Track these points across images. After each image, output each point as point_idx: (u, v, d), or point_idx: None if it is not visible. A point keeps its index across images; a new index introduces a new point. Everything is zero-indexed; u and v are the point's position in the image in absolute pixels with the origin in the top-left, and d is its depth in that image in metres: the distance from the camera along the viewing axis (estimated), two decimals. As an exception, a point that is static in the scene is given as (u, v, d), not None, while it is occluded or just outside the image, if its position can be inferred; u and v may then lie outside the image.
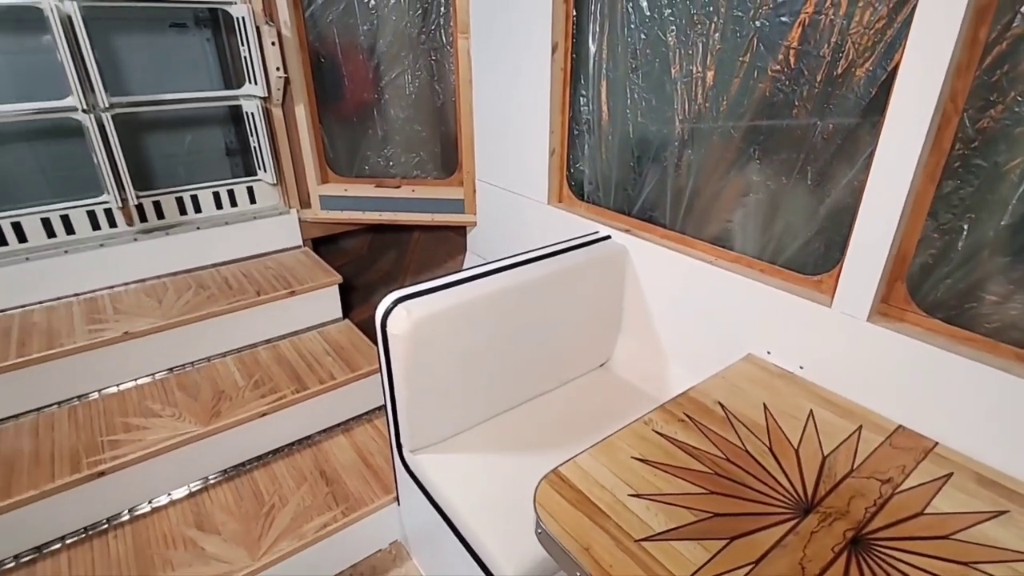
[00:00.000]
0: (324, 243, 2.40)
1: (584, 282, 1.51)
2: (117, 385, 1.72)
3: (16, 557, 1.39)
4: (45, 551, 1.41)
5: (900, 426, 1.07)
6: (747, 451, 1.01)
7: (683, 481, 0.95)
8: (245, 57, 1.94)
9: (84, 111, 1.71)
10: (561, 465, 0.98)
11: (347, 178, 2.23)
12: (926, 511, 0.89)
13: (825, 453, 1.01)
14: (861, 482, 0.95)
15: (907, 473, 0.97)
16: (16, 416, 1.59)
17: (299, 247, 2.25)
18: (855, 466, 0.98)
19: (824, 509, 0.89)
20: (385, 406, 1.33)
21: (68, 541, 1.43)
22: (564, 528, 0.86)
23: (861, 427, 1.07)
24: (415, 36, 1.99)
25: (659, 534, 0.85)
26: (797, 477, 0.96)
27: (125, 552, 1.39)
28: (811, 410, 1.12)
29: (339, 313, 2.11)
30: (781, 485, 0.94)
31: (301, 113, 2.04)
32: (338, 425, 1.82)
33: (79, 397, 1.67)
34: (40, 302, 1.80)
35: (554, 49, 1.60)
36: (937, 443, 1.03)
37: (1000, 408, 0.96)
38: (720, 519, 0.87)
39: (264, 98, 1.98)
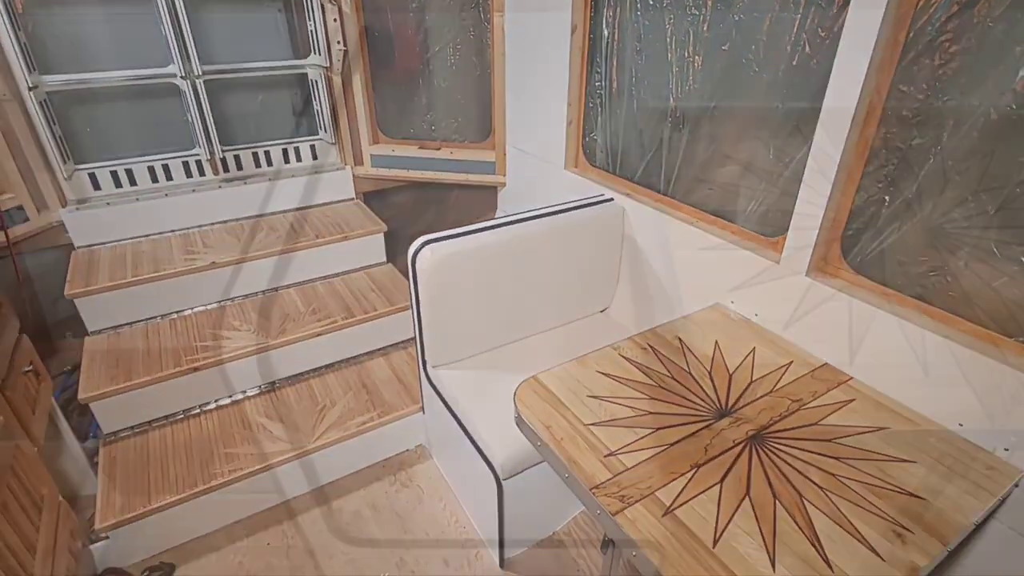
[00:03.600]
0: (374, 196, 2.71)
1: (586, 238, 1.76)
2: (205, 305, 2.12)
3: (131, 428, 1.82)
4: (154, 424, 1.83)
5: (825, 363, 1.30)
6: (690, 373, 1.27)
7: (631, 390, 1.21)
8: (311, 31, 2.24)
9: (182, 77, 2.07)
10: (540, 373, 1.27)
11: (394, 139, 2.52)
12: (820, 423, 1.13)
13: (754, 378, 1.25)
14: (775, 400, 1.19)
15: (816, 397, 1.20)
16: (131, 323, 2.01)
17: (352, 199, 2.59)
18: (775, 388, 1.22)
19: (737, 415, 1.14)
20: (414, 327, 1.64)
21: (170, 419, 1.85)
22: (533, 413, 1.15)
23: (792, 362, 1.30)
24: (457, 13, 2.22)
25: (603, 422, 1.12)
26: (724, 393, 1.21)
27: (213, 429, 1.80)
28: (755, 348, 1.36)
29: (384, 258, 2.44)
30: (709, 397, 1.20)
31: (357, 81, 2.33)
32: (378, 349, 2.17)
33: (177, 312, 2.07)
34: (146, 235, 2.20)
35: (574, 30, 1.81)
36: (852, 377, 1.25)
37: (902, 349, 1.17)
38: (652, 416, 1.14)
39: (326, 68, 2.28)
